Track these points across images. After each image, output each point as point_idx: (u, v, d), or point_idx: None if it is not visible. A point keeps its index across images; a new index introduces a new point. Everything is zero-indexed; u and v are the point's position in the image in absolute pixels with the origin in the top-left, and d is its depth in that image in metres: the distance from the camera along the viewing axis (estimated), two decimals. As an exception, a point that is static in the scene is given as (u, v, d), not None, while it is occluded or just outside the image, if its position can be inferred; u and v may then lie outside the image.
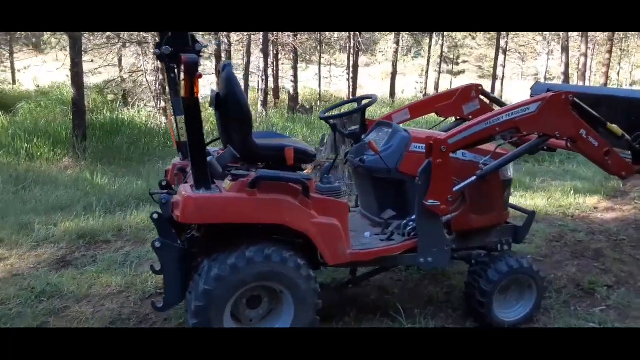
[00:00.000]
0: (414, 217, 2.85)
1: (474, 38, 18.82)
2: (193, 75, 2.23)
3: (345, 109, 3.79)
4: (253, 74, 14.06)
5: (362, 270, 3.31)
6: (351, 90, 16.73)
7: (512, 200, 5.86)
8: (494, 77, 15.00)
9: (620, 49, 25.81)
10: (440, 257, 2.87)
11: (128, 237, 4.43)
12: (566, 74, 12.52)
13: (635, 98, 3.25)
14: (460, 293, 3.23)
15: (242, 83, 12.10)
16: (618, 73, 26.33)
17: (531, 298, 3.02)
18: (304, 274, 2.46)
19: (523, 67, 33.96)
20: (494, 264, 2.97)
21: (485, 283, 2.90)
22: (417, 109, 3.78)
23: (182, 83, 2.28)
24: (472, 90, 3.78)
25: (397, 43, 16.48)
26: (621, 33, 19.21)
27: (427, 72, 18.05)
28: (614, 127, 3.15)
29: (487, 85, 21.51)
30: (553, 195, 6.02)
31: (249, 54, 13.35)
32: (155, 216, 2.53)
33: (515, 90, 20.32)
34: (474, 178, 2.86)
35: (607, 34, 15.47)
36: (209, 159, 2.46)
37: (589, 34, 13.77)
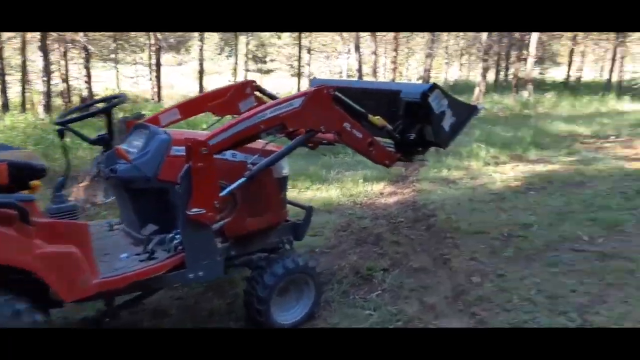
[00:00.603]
0: (180, 229, 2.56)
1: (279, 37, 19.35)
2: None
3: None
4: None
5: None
6: (156, 90, 15.71)
7: (310, 194, 6.12)
8: (299, 75, 15.61)
9: (407, 48, 29.32)
10: (213, 269, 2.65)
11: None
12: (360, 71, 13.62)
13: (393, 90, 3.44)
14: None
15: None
16: (407, 69, 29.82)
17: (310, 296, 3.00)
18: (27, 320, 1.98)
19: (330, 65, 36.45)
20: (270, 267, 2.86)
21: (261, 289, 2.77)
22: (188, 108, 3.48)
23: None
24: (247, 87, 3.63)
25: (202, 41, 15.99)
26: (407, 33, 21.63)
27: (236, 70, 17.93)
28: (375, 119, 3.30)
29: (295, 83, 22.60)
30: (345, 185, 6.34)
31: (23, 52, 11.47)
32: None
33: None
34: (242, 180, 2.69)
35: (392, 34, 17.29)
36: None
37: (377, 33, 15.20)
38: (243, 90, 3.63)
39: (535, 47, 14.19)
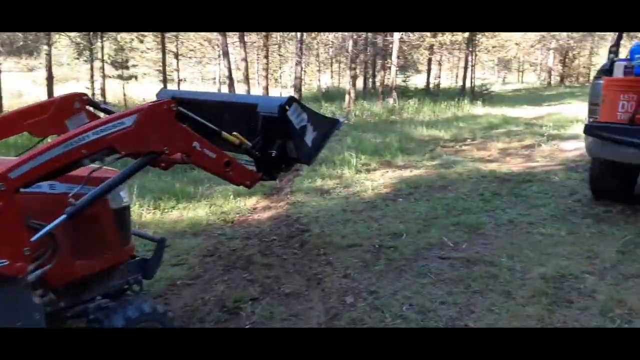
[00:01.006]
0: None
1: (141, 41, 18.05)
2: None
3: None
4: None
5: None
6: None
7: (175, 215, 5.58)
8: (165, 81, 14.70)
9: (279, 54, 29.48)
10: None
11: None
12: (230, 78, 13.18)
13: (250, 103, 3.14)
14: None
15: None
16: (281, 76, 29.96)
17: (162, 346, 2.56)
18: None
19: (203, 71, 35.24)
20: (108, 318, 2.37)
21: (98, 348, 2.28)
22: (-1, 128, 2.82)
23: None
24: (75, 101, 3.04)
25: (49, 45, 14.28)
26: (277, 37, 21.64)
27: (92, 76, 16.33)
28: (229, 136, 2.97)
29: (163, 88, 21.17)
30: (216, 202, 5.91)
31: None
32: None
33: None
34: (63, 217, 2.17)
35: (262, 40, 17.10)
36: None
37: (246, 39, 14.91)
38: (70, 105, 3.02)
39: (397, 56, 15.01)
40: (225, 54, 13.01)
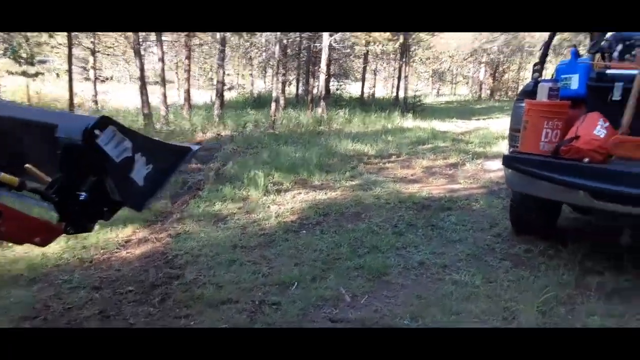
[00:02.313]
0: None
1: (51, 35, 16.24)
2: None
3: None
4: None
5: None
6: None
7: (20, 251, 4.42)
8: (71, 81, 13.22)
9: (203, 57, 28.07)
10: None
11: None
12: (142, 79, 11.96)
13: (48, 125, 2.22)
14: None
15: None
16: (210, 79, 28.65)
17: None
18: None
19: (130, 69, 33.10)
20: None
21: None
22: None
23: None
24: None
25: None
26: (204, 37, 20.38)
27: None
28: (6, 177, 2.04)
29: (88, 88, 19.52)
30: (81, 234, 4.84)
31: None
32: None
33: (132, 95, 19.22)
34: None
35: (183, 40, 15.91)
36: None
37: (164, 39, 13.73)
38: None
39: (327, 64, 14.36)
40: (136, 53, 11.76)
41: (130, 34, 12.05)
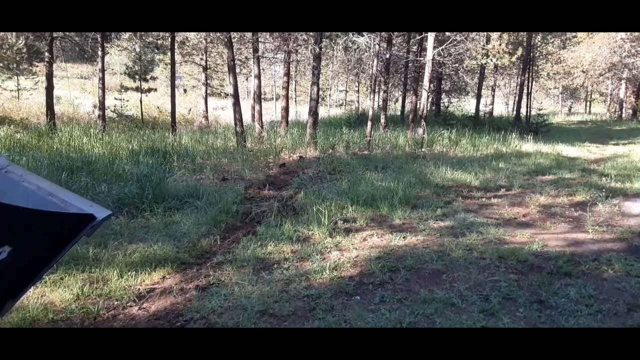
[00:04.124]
0: None
1: (164, 52, 17.06)
2: None
3: None
4: None
5: None
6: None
7: (33, 296, 3.89)
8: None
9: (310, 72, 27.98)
10: None
11: None
12: (235, 96, 11.67)
13: None
14: None
15: None
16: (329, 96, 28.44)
17: None
18: None
19: (247, 85, 34.36)
20: None
21: None
22: None
23: None
24: None
25: (50, 51, 13.38)
26: (298, 54, 20.12)
27: (103, 86, 15.34)
28: None
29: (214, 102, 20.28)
30: (107, 273, 4.24)
31: None
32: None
33: (247, 110, 19.38)
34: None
35: (283, 57, 15.50)
36: None
37: (268, 55, 13.43)
38: None
39: (429, 80, 12.92)
40: (231, 69, 11.50)
41: (226, 50, 11.89)
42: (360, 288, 4.11)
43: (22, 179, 2.00)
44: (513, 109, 31.14)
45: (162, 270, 4.45)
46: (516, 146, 14.44)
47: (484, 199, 7.63)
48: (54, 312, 3.60)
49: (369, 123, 12.44)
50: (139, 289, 4.09)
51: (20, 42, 20.82)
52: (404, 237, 5.48)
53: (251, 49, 14.95)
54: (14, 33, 19.76)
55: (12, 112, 20.57)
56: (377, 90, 12.81)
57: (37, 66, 22.89)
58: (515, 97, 29.07)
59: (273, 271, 4.49)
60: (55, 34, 13.88)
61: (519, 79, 23.49)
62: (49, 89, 14.32)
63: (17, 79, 21.78)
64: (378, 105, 13.73)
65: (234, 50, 11.84)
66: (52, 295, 3.86)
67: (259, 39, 14.06)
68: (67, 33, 16.07)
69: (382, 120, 15.16)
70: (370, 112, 12.27)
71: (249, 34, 14.37)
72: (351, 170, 9.15)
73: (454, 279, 4.30)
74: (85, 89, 31.21)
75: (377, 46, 12.15)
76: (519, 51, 14.16)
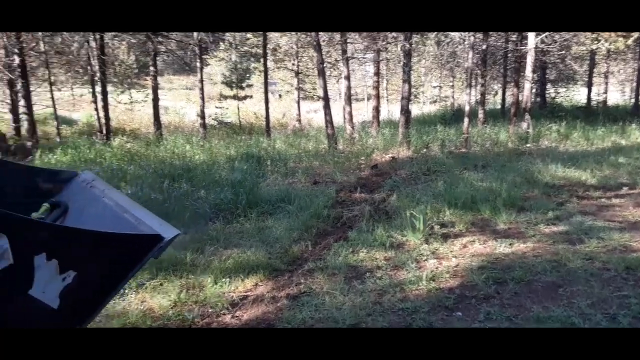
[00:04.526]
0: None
1: (257, 60, 17.54)
2: None
3: None
4: None
5: None
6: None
7: (134, 300, 3.98)
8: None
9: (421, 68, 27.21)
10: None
11: None
12: (325, 98, 11.61)
13: None
14: None
15: None
16: (422, 93, 27.74)
17: None
18: None
19: (334, 88, 34.47)
20: None
21: None
22: None
23: None
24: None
25: (155, 65, 14.28)
26: (388, 52, 19.61)
27: (202, 96, 16.14)
28: None
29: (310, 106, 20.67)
30: (203, 279, 4.30)
31: None
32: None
33: (339, 112, 19.73)
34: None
35: (372, 56, 15.21)
36: None
37: (358, 56, 13.23)
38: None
39: (532, 70, 11.81)
40: (321, 72, 11.48)
41: (315, 54, 11.88)
42: (462, 302, 3.74)
43: (104, 195, 1.98)
44: (630, 97, 27.91)
45: (255, 277, 4.42)
46: (637, 138, 12.83)
47: (603, 199, 6.77)
48: (152, 319, 3.69)
49: (466, 119, 11.75)
50: (232, 296, 4.08)
51: (131, 57, 22.71)
52: (510, 244, 4.98)
53: (340, 51, 14.85)
54: (124, 49, 21.58)
55: (125, 123, 22.53)
56: (473, 84, 12.04)
57: (147, 80, 24.85)
58: (632, 84, 26.01)
59: (365, 280, 4.27)
60: (158, 49, 14.85)
61: (637, 64, 21.00)
62: (155, 100, 15.38)
63: (130, 93, 23.85)
64: (475, 100, 12.92)
65: (323, 53, 11.79)
66: (151, 301, 3.97)
67: (347, 40, 13.92)
68: (169, 48, 17.18)
69: (480, 116, 14.28)
70: (467, 108, 11.58)
71: (337, 36, 14.29)
72: (447, 170, 8.64)
73: (572, 293, 3.77)
74: (190, 99, 33.32)
75: (472, 37, 11.43)
76: (636, 33, 12.54)
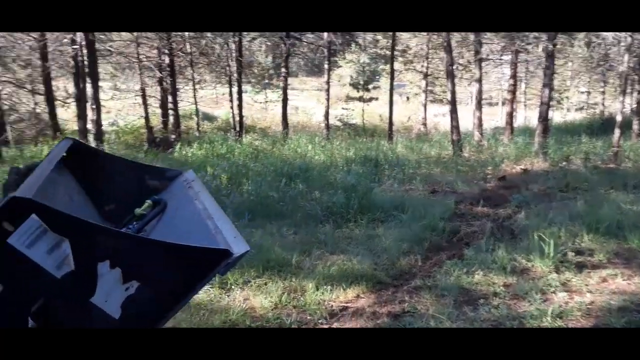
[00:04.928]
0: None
1: (386, 62, 17.21)
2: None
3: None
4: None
5: None
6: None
7: (224, 301, 3.97)
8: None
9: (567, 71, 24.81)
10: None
11: None
12: (453, 102, 10.96)
13: None
14: None
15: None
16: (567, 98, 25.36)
17: None
18: None
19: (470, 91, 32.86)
20: None
21: None
22: None
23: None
24: None
25: (286, 67, 14.78)
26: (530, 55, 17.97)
27: (328, 98, 16.30)
28: None
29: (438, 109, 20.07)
30: (306, 283, 4.25)
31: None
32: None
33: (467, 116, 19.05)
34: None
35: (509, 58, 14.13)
36: None
37: (494, 57, 12.36)
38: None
39: None
40: (450, 74, 10.90)
41: (445, 55, 11.31)
42: (595, 349, 3.16)
43: (196, 197, 1.96)
44: None
45: (357, 287, 4.24)
46: None
47: None
48: (252, 319, 3.71)
49: (617, 130, 10.29)
50: (332, 305, 3.96)
51: (268, 59, 24.03)
52: (663, 283, 4.15)
53: (473, 52, 14.02)
54: (262, 53, 22.89)
55: (259, 121, 23.91)
56: (628, 90, 10.49)
57: (281, 80, 26.11)
58: None
59: (478, 307, 3.84)
60: (291, 51, 15.43)
61: None
62: (284, 100, 16.02)
63: (265, 93, 25.28)
64: (630, 109, 11.25)
65: (455, 54, 11.20)
66: (254, 300, 4.01)
67: (482, 40, 13.06)
68: (302, 50, 17.73)
69: (635, 127, 12.43)
70: (619, 117, 10.13)
71: (471, 36, 13.49)
72: (590, 188, 7.60)
73: None
74: (320, 100, 34.34)
75: (629, 38, 9.94)
76: None
